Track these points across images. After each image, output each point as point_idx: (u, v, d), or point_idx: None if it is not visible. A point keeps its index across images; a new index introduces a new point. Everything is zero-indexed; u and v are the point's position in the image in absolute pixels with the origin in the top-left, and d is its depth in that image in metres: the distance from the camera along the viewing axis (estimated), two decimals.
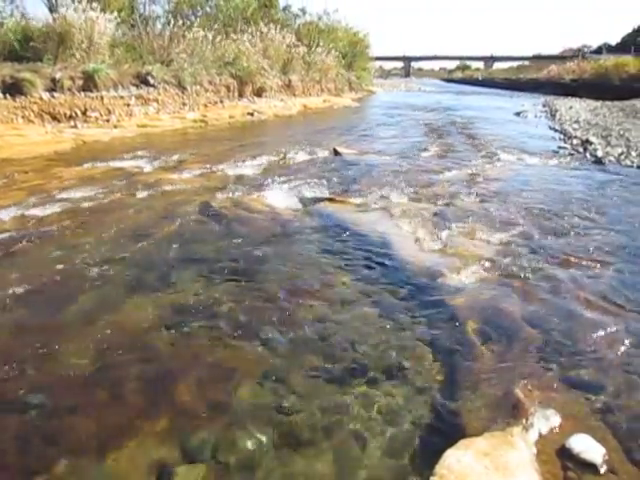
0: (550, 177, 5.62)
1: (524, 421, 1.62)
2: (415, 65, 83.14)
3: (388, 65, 74.99)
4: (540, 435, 1.59)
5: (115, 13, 10.44)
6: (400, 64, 78.08)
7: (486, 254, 3.11)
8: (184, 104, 10.98)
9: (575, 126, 10.25)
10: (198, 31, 12.19)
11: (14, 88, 7.72)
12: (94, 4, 9.87)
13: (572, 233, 3.57)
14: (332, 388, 1.84)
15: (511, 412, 1.68)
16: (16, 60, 8.61)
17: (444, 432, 1.62)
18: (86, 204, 4.13)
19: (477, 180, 5.33)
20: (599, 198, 4.61)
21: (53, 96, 8.21)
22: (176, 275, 2.77)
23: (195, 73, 11.40)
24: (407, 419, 1.69)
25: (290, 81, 16.11)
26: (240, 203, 4.27)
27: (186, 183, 4.99)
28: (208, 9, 15.77)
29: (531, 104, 18.17)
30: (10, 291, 2.51)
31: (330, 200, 4.37)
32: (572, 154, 7.12)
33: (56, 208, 3.95)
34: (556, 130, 10.14)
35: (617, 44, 46.77)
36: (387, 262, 3.01)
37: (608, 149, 7.19)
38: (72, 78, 8.60)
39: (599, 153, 6.92)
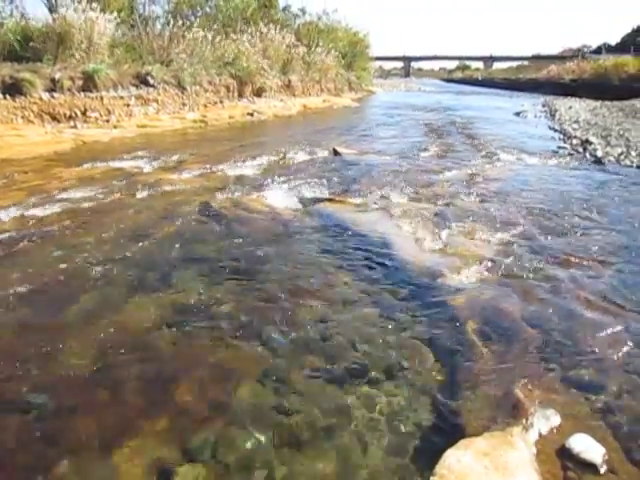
0: (550, 177, 5.62)
1: (524, 421, 1.63)
2: (415, 65, 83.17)
3: (388, 65, 75.06)
4: (540, 435, 1.59)
5: (115, 13, 10.44)
6: (400, 64, 78.09)
7: (486, 254, 3.11)
8: (184, 104, 10.98)
9: (575, 126, 10.25)
10: (198, 31, 12.19)
11: (14, 88, 7.72)
12: (94, 4, 9.86)
13: (572, 233, 3.57)
14: (332, 388, 1.84)
15: (511, 412, 1.68)
16: (16, 60, 8.61)
17: (444, 432, 1.62)
18: (86, 204, 4.13)
19: (477, 180, 5.33)
20: (599, 198, 4.61)
21: (53, 96, 8.21)
22: (177, 275, 2.77)
23: (195, 73, 11.40)
24: (407, 419, 1.69)
25: (290, 81, 16.11)
26: (240, 203, 4.27)
27: (186, 183, 4.99)
28: (208, 9, 15.77)
29: (531, 104, 18.18)
30: (11, 291, 2.51)
31: (330, 200, 4.37)
32: (572, 154, 7.13)
33: (56, 208, 3.95)
34: (556, 130, 10.15)
35: (617, 44, 46.78)
36: (387, 262, 3.01)
37: (608, 149, 7.20)
38: (72, 78, 8.60)
39: (599, 153, 6.92)
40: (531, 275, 2.82)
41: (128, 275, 2.76)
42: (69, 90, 8.49)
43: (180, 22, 12.07)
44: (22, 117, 7.76)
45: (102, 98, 9.00)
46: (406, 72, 74.25)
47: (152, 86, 10.17)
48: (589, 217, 3.97)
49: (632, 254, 3.18)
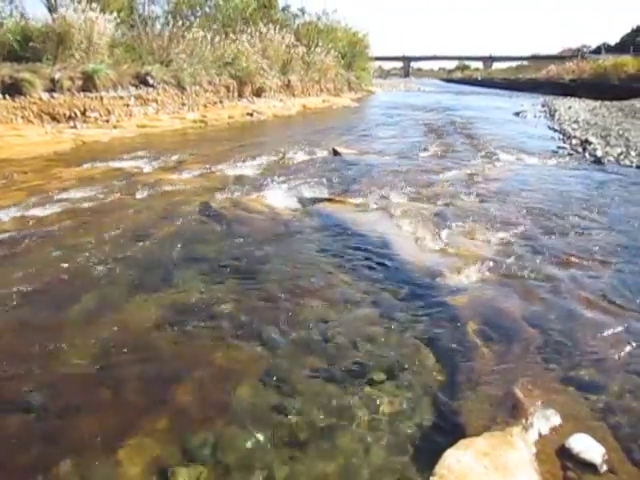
0: (549, 177, 5.62)
1: (524, 421, 1.63)
2: (414, 65, 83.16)
3: (387, 65, 75.04)
4: (540, 435, 1.59)
5: (114, 13, 10.44)
6: (399, 64, 78.06)
7: (486, 254, 3.12)
8: (183, 104, 10.98)
9: (574, 126, 10.26)
10: (197, 31, 12.19)
11: (13, 88, 7.72)
12: (93, 4, 9.86)
13: (572, 233, 3.58)
14: (333, 388, 1.84)
15: (511, 412, 1.68)
16: (15, 60, 8.61)
17: (444, 432, 1.62)
18: (86, 204, 4.13)
19: (477, 180, 5.34)
20: (598, 198, 4.61)
21: (52, 96, 8.21)
22: (177, 275, 2.78)
23: (194, 73, 11.40)
24: (407, 419, 1.69)
25: (289, 81, 16.11)
26: (240, 203, 4.28)
27: (186, 183, 4.99)
28: (207, 9, 15.77)
29: (530, 104, 18.18)
30: (11, 291, 2.51)
31: (330, 200, 4.38)
32: (571, 154, 7.13)
33: (56, 208, 3.95)
34: (555, 130, 10.15)
35: (616, 44, 46.80)
36: (387, 262, 3.01)
37: (607, 149, 7.20)
38: (71, 78, 8.60)
39: (598, 153, 6.92)
40: (531, 275, 2.82)
41: (128, 275, 2.76)
42: (69, 90, 8.49)
43: (180, 22, 12.07)
44: (22, 117, 7.76)
45: (102, 98, 9.00)
46: (405, 72, 74.24)
47: (152, 86, 10.17)
48: (589, 217, 3.97)
49: (632, 254, 3.18)
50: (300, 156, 6.66)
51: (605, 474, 1.46)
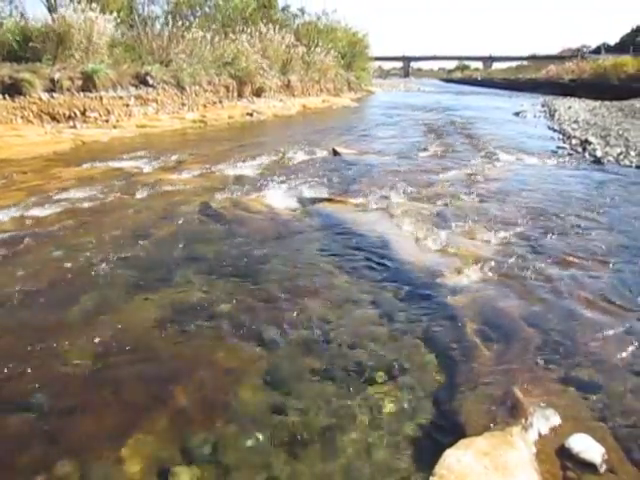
0: (549, 177, 5.62)
1: (524, 421, 1.63)
2: (414, 65, 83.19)
3: (387, 65, 75.10)
4: (539, 435, 1.59)
5: (114, 13, 10.44)
6: (399, 64, 78.09)
7: (486, 254, 3.12)
8: (183, 104, 10.98)
9: (574, 126, 10.26)
10: (197, 31, 12.19)
11: (13, 88, 7.72)
12: (93, 4, 9.87)
13: (572, 233, 3.58)
14: (332, 388, 1.84)
15: (511, 412, 1.68)
16: (15, 60, 8.61)
17: (444, 432, 1.62)
18: (86, 204, 4.13)
19: (476, 180, 5.34)
20: (598, 198, 4.61)
21: (52, 96, 8.21)
22: (177, 275, 2.77)
23: (194, 73, 11.40)
24: (407, 419, 1.69)
25: (289, 81, 16.12)
26: (239, 203, 4.27)
27: (185, 183, 4.99)
28: (207, 9, 15.78)
29: (530, 104, 18.19)
30: (11, 291, 2.51)
31: (330, 200, 4.38)
32: (571, 154, 7.13)
33: (56, 208, 3.95)
34: (555, 130, 10.15)
35: (616, 44, 46.81)
36: (387, 262, 3.01)
37: (607, 149, 7.20)
38: (71, 78, 8.60)
39: (598, 153, 6.92)
40: (531, 275, 2.82)
41: (128, 275, 2.76)
42: (68, 90, 8.49)
43: (179, 22, 12.07)
44: (21, 117, 7.76)
45: (101, 98, 9.00)
46: (405, 72, 74.27)
47: (151, 86, 10.17)
48: (589, 217, 3.97)
49: (632, 254, 3.18)
50: (300, 156, 6.66)
51: (605, 474, 1.46)
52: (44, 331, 2.17)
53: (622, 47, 37.93)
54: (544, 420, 1.64)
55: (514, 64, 58.85)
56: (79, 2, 9.62)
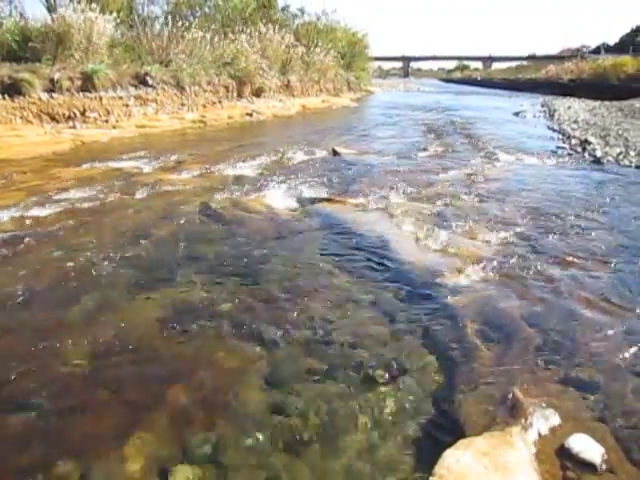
0: (549, 177, 5.62)
1: (523, 421, 1.63)
2: (414, 65, 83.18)
3: (387, 65, 75.11)
4: (539, 435, 1.59)
5: (114, 13, 10.44)
6: (399, 64, 78.09)
7: (486, 254, 3.12)
8: (183, 104, 10.98)
9: (574, 126, 10.26)
10: (197, 31, 12.19)
11: (12, 88, 7.72)
12: (93, 4, 9.86)
13: (571, 233, 3.58)
14: (332, 388, 1.84)
15: (510, 412, 1.68)
16: (14, 60, 8.61)
17: (443, 432, 1.62)
18: (85, 205, 4.13)
19: (476, 180, 5.34)
20: (598, 198, 4.61)
21: (52, 97, 8.21)
22: (177, 275, 2.77)
23: (194, 73, 11.40)
24: (407, 419, 1.69)
25: (289, 81, 16.12)
26: (239, 203, 4.27)
27: (185, 184, 4.99)
28: (207, 9, 15.77)
29: (530, 104, 18.19)
30: (11, 291, 2.51)
31: (329, 200, 4.37)
32: (571, 154, 7.13)
33: (55, 208, 3.95)
34: (555, 130, 10.16)
35: (615, 44, 46.84)
36: (387, 262, 3.01)
37: (607, 149, 7.20)
38: (71, 78, 8.60)
39: (598, 153, 6.93)
40: (531, 275, 2.82)
41: (128, 275, 2.76)
42: (68, 90, 8.49)
43: (179, 22, 12.06)
44: (21, 117, 7.75)
45: (101, 98, 9.00)
46: (405, 72, 74.28)
47: (151, 86, 10.17)
48: (588, 217, 3.97)
49: (632, 254, 3.18)
50: (299, 156, 6.66)
51: (604, 474, 1.46)
52: (44, 331, 2.17)
53: (622, 47, 37.96)
54: (544, 420, 1.64)
55: (514, 64, 58.86)
56: (79, 2, 9.62)
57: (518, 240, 3.40)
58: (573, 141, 8.23)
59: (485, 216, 3.93)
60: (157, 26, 12.97)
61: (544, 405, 1.71)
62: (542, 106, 17.09)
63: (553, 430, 1.62)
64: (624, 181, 5.40)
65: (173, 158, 6.30)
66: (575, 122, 11.01)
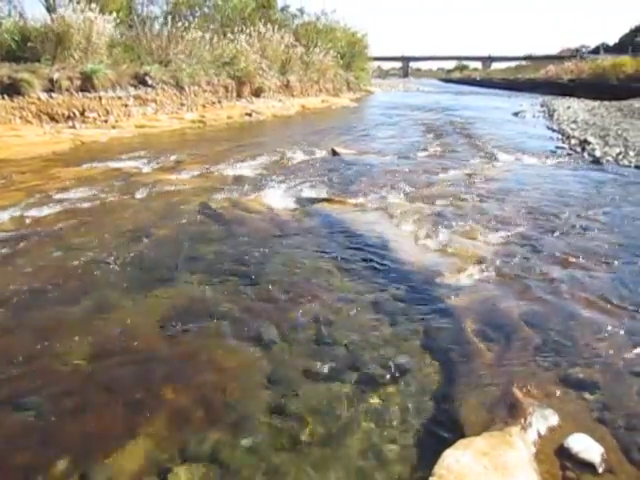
0: (548, 177, 5.63)
1: (523, 421, 1.63)
2: (413, 65, 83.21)
3: (386, 65, 75.14)
4: (539, 435, 1.59)
5: (113, 13, 10.44)
6: (398, 64, 78.11)
7: (485, 254, 3.12)
8: (182, 104, 10.98)
9: (573, 126, 10.26)
10: (196, 32, 12.18)
11: (12, 88, 7.71)
12: (92, 4, 9.86)
13: (571, 233, 3.58)
14: (331, 389, 1.84)
15: (510, 412, 1.68)
16: (14, 60, 8.61)
17: (443, 432, 1.62)
18: (85, 205, 4.13)
19: (476, 180, 5.34)
20: (597, 198, 4.62)
21: (51, 96, 8.21)
22: (176, 275, 2.77)
23: (193, 73, 11.40)
24: (406, 419, 1.69)
25: (288, 81, 16.11)
26: (239, 204, 4.27)
27: (184, 184, 4.98)
28: (206, 10, 15.77)
29: (529, 104, 18.19)
30: (11, 291, 2.51)
31: (328, 200, 4.37)
32: (570, 154, 7.13)
33: (55, 209, 3.95)
34: (554, 130, 10.16)
35: (615, 44, 46.88)
36: (386, 262, 3.01)
37: (606, 149, 7.21)
38: (70, 78, 8.59)
39: (597, 153, 6.93)
40: (530, 275, 2.82)
41: (128, 275, 2.76)
42: (67, 90, 8.49)
43: (178, 22, 12.06)
44: (20, 117, 7.75)
45: (100, 98, 9.00)
46: (404, 72, 74.30)
47: (150, 86, 10.16)
48: (588, 217, 3.97)
49: (631, 254, 3.19)
50: (299, 156, 6.66)
51: (604, 474, 1.46)
52: (44, 331, 2.17)
53: (621, 47, 38.00)
54: (543, 420, 1.64)
55: (513, 64, 58.83)
56: (78, 2, 9.62)
57: (518, 240, 3.40)
58: (572, 141, 8.23)
59: (485, 216, 3.94)
60: (156, 26, 12.99)
61: (543, 405, 1.71)
62: (541, 106, 17.10)
63: (553, 430, 1.62)
64: (623, 181, 5.40)
65: (172, 158, 6.30)
66: (574, 122, 11.01)
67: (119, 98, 9.40)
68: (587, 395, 1.80)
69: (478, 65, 73.71)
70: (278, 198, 4.41)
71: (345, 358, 2.03)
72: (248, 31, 14.61)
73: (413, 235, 3.47)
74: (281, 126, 11.49)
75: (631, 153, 6.84)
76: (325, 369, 1.95)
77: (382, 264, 2.98)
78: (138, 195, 4.44)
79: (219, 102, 12.25)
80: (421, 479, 1.42)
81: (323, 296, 2.56)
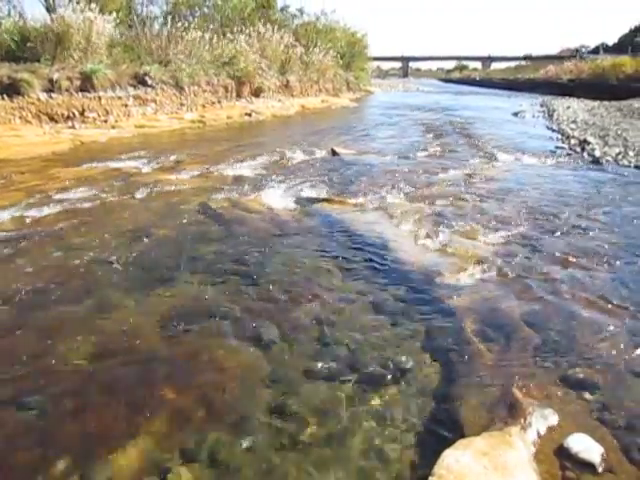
0: (548, 177, 5.63)
1: (522, 421, 1.63)
2: (413, 65, 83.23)
3: (386, 65, 75.17)
4: (538, 435, 1.59)
5: (113, 14, 10.43)
6: (398, 64, 78.13)
7: (485, 254, 3.12)
8: (182, 104, 10.98)
9: (573, 126, 10.27)
10: (196, 32, 12.18)
11: (11, 89, 7.71)
12: (92, 4, 9.86)
13: (570, 233, 3.58)
14: (331, 388, 1.84)
15: (509, 412, 1.68)
16: (13, 60, 8.61)
17: (442, 432, 1.62)
18: (85, 205, 4.13)
19: (475, 180, 5.34)
20: (597, 198, 4.62)
21: (51, 97, 8.21)
22: (176, 275, 2.77)
23: (193, 73, 11.40)
24: (405, 419, 1.69)
25: (288, 81, 16.11)
26: (238, 204, 4.27)
27: (184, 184, 4.98)
28: (206, 10, 15.76)
29: (529, 104, 18.20)
30: (11, 291, 2.50)
31: (328, 200, 4.37)
32: (570, 154, 7.14)
33: (55, 209, 3.95)
34: (554, 130, 10.16)
35: (614, 44, 46.93)
36: (386, 262, 3.01)
37: (606, 149, 7.21)
38: (70, 78, 8.59)
39: (597, 153, 6.93)
40: (530, 275, 2.82)
41: (128, 275, 2.76)
42: (67, 90, 8.49)
43: (178, 22, 12.06)
44: (20, 117, 7.75)
45: (100, 98, 9.00)
46: (404, 72, 74.31)
47: (150, 86, 10.16)
48: (587, 217, 3.98)
49: (631, 254, 3.19)
50: (299, 156, 6.66)
51: (604, 474, 1.46)
52: (45, 330, 2.17)
53: (620, 47, 38.03)
54: (543, 420, 1.64)
55: (513, 64, 58.83)
56: (78, 2, 9.62)
57: (518, 240, 3.40)
58: (572, 141, 8.23)
59: (485, 216, 3.94)
60: (156, 26, 12.98)
61: (543, 405, 1.71)
62: (541, 106, 17.10)
63: (552, 430, 1.62)
64: (623, 181, 5.40)
65: (172, 158, 6.30)
66: (574, 122, 11.01)
67: (119, 98, 9.40)
68: (587, 395, 1.81)
69: (478, 65, 73.74)
70: (278, 198, 4.41)
71: (345, 358, 2.03)
72: (248, 31, 14.61)
73: (413, 235, 3.47)
74: (281, 126, 11.49)
75: (631, 153, 6.85)
76: (325, 369, 1.95)
77: (382, 264, 2.98)
78: (138, 195, 4.44)
79: (219, 102, 12.25)
80: (421, 479, 1.42)
81: (323, 296, 2.56)
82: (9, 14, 9.97)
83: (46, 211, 3.87)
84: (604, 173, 5.83)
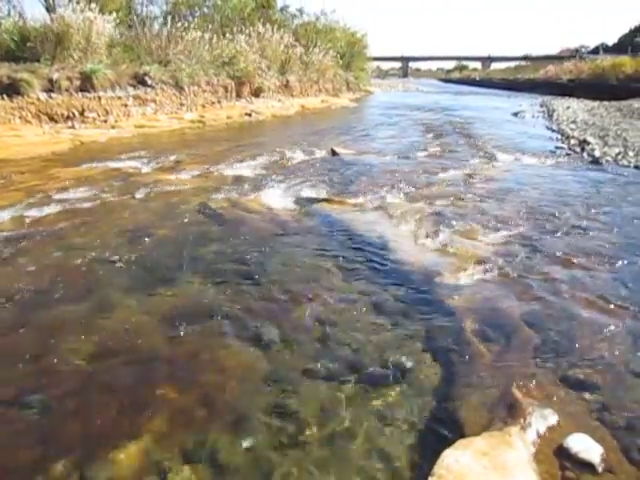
0: (548, 177, 5.63)
1: (522, 421, 1.63)
2: (413, 65, 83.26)
3: (386, 65, 75.18)
4: (538, 435, 1.60)
5: (113, 13, 10.43)
6: (398, 64, 78.16)
7: (485, 254, 3.12)
8: (182, 104, 10.98)
9: (572, 126, 10.27)
10: (195, 32, 12.18)
11: (11, 88, 7.71)
12: (92, 4, 9.86)
13: (570, 233, 3.58)
14: (331, 388, 1.84)
15: (509, 412, 1.69)
16: (13, 60, 8.60)
17: (442, 432, 1.62)
18: (85, 205, 4.13)
19: (475, 180, 5.34)
20: (597, 198, 4.62)
21: (50, 97, 8.20)
22: (176, 275, 2.77)
23: (193, 73, 11.40)
24: (405, 419, 1.69)
25: (288, 81, 16.11)
26: (238, 204, 4.27)
27: (184, 184, 4.98)
28: (205, 10, 15.77)
29: (529, 104, 18.20)
30: (11, 291, 2.50)
31: (328, 200, 4.38)
32: (569, 154, 7.14)
33: (55, 209, 3.95)
34: (554, 130, 10.16)
35: (614, 44, 46.95)
36: (386, 262, 3.01)
37: (605, 149, 7.21)
38: (69, 78, 8.59)
39: (596, 153, 6.93)
40: (530, 275, 2.82)
41: (128, 275, 2.76)
42: (67, 90, 8.49)
43: (178, 22, 12.06)
44: (20, 117, 7.75)
45: (100, 98, 9.00)
46: (404, 72, 74.34)
47: (150, 86, 10.16)
48: (587, 217, 3.98)
49: (631, 254, 3.19)
50: (299, 156, 6.66)
51: (603, 474, 1.46)
52: (45, 330, 2.17)
53: (620, 47, 38.04)
54: (543, 420, 1.64)
55: (513, 64, 58.82)
56: (78, 2, 9.61)
57: (517, 240, 3.40)
58: (572, 141, 8.23)
59: (485, 216, 3.94)
60: (156, 26, 12.99)
61: (543, 405, 1.71)
62: (541, 106, 17.10)
63: (552, 430, 1.62)
64: (623, 181, 5.40)
65: (172, 158, 6.29)
66: (574, 122, 11.02)
67: (118, 98, 9.40)
68: (587, 395, 1.81)
69: (478, 65, 73.75)
70: (278, 198, 4.41)
71: (345, 358, 2.03)
72: (247, 31, 14.61)
73: (413, 235, 3.47)
74: (280, 126, 11.49)
75: (630, 153, 6.85)
76: (325, 369, 1.95)
77: (382, 264, 2.99)
78: (138, 195, 4.44)
79: (218, 102, 12.25)
80: (421, 479, 1.42)
81: (323, 296, 2.56)
82: (9, 14, 9.98)
83: (46, 211, 3.87)
84: (604, 173, 5.83)
